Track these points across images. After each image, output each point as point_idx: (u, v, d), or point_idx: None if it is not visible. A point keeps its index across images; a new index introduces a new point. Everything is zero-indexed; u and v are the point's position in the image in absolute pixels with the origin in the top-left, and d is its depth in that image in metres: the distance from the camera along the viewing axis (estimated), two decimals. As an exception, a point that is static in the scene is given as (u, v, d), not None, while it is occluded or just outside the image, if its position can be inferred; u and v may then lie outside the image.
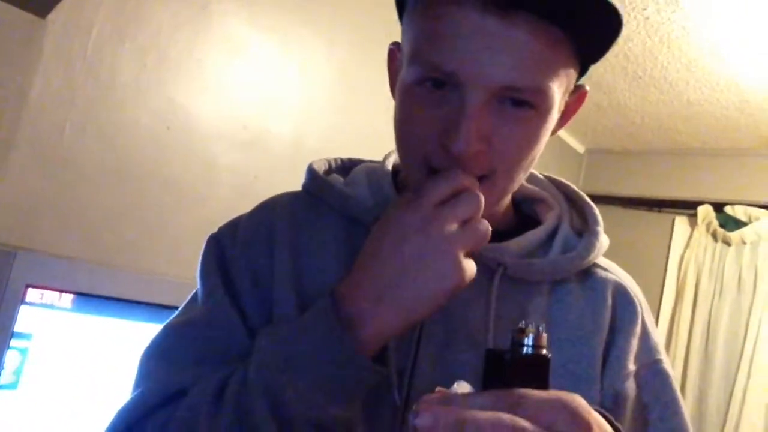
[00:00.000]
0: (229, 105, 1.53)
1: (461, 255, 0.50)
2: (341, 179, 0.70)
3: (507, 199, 0.69)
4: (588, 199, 0.73)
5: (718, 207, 2.81)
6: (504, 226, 0.69)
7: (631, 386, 0.63)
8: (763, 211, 2.70)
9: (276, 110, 1.64)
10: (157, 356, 0.60)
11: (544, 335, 0.41)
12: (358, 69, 1.86)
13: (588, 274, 0.69)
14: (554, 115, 0.58)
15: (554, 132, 0.62)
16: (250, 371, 0.52)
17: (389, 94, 0.63)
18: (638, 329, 0.66)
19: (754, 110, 2.36)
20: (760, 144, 2.68)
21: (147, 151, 1.36)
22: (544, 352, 0.40)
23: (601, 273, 0.70)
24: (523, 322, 0.41)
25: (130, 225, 1.34)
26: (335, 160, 0.75)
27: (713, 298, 2.79)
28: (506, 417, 0.36)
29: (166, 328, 0.63)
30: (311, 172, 0.70)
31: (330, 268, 0.63)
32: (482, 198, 0.51)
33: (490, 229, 0.51)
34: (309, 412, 0.50)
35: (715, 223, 2.81)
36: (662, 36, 2.01)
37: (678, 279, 2.89)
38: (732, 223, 2.79)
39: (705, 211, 2.82)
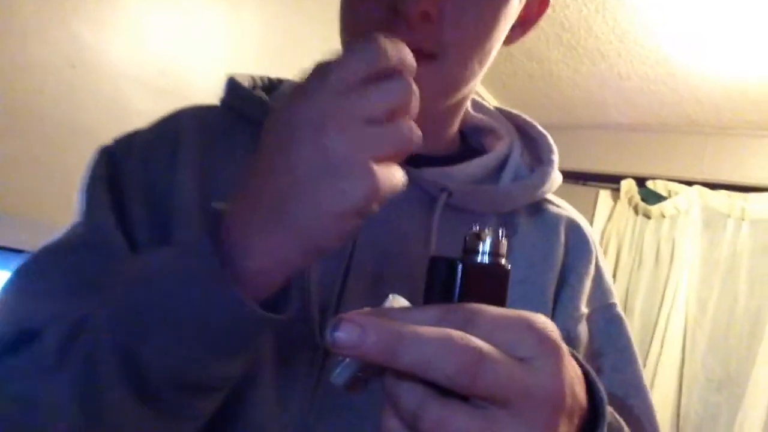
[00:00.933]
0: (143, 46, 1.40)
1: (373, 161, 0.36)
2: (266, 96, 0.61)
3: (454, 125, 0.63)
4: (542, 130, 0.67)
5: (641, 181, 2.87)
6: (448, 153, 0.63)
7: (583, 330, 0.58)
8: (682, 186, 2.78)
9: (199, 56, 1.53)
10: (19, 285, 0.49)
11: (504, 242, 0.33)
12: (294, 11, 1.75)
13: (539, 208, 0.63)
14: (516, 4, 0.54)
15: (510, 41, 0.57)
16: (101, 316, 0.39)
17: (328, 37, 0.57)
18: (592, 269, 0.61)
19: (680, 85, 2.40)
20: (684, 121, 2.75)
21: (50, 92, 1.23)
22: (503, 262, 0.33)
23: (553, 209, 0.65)
24: (477, 225, 0.34)
25: (29, 171, 1.21)
26: (261, 77, 0.66)
27: (632, 269, 2.86)
28: (456, 334, 0.29)
29: (37, 251, 0.52)
30: (232, 83, 0.62)
31: None
32: (413, 87, 0.37)
33: (420, 134, 0.38)
34: (173, 372, 0.38)
35: (637, 197, 2.88)
36: (598, 5, 2.00)
37: (600, 251, 2.94)
38: (653, 198, 2.86)
39: (628, 185, 2.89)
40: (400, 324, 0.30)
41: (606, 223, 2.96)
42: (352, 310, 0.31)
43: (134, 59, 1.39)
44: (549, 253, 0.60)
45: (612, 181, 2.92)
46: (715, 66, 2.19)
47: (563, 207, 0.66)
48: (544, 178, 0.62)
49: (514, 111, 0.70)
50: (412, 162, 0.56)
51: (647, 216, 2.87)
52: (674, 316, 2.69)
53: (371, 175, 0.36)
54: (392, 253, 0.55)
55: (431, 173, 0.57)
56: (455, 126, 0.64)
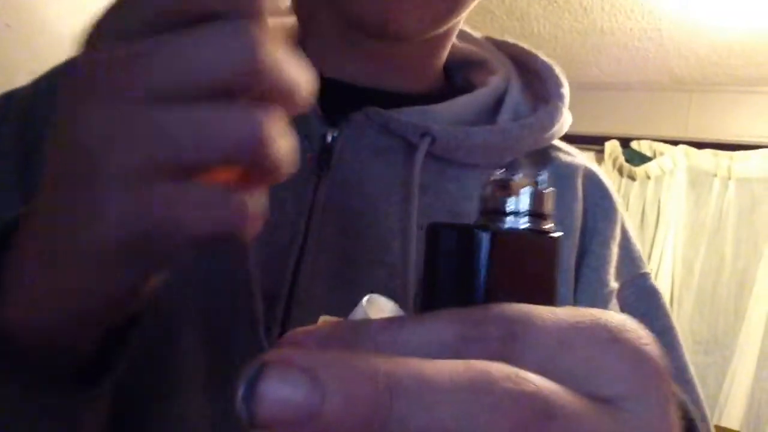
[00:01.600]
0: (83, 6, 1.29)
1: (152, 168, 0.22)
2: None
3: (439, 59, 0.51)
4: (546, 60, 0.52)
5: (625, 142, 2.81)
6: (429, 92, 0.50)
7: (615, 310, 0.46)
8: (667, 146, 2.73)
9: None
10: None
11: (549, 193, 0.21)
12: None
13: (547, 157, 0.51)
14: None
15: None
16: None
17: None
18: (618, 232, 0.49)
19: (666, 41, 2.32)
20: (668, 78, 2.68)
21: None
22: (549, 226, 0.21)
23: (565, 157, 0.51)
24: (502, 171, 0.21)
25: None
26: None
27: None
28: (497, 372, 0.16)
29: None
30: None
31: None
32: (256, 35, 0.22)
33: (276, 135, 0.24)
34: None
35: (622, 159, 2.82)
36: (579, -45, 1.90)
37: (584, 214, 2.90)
38: (637, 159, 2.80)
39: (612, 147, 2.82)
40: (389, 359, 0.16)
41: (590, 186, 2.90)
42: (296, 329, 0.19)
43: (73, 19, 1.29)
44: (565, 213, 0.47)
45: (596, 142, 2.85)
46: (702, 19, 2.11)
47: (575, 154, 0.52)
48: (553, 115, 0.48)
49: (510, 40, 0.55)
50: (382, 102, 0.46)
51: (632, 178, 2.81)
52: (661, 278, 2.65)
53: (135, 194, 0.22)
54: (362, 222, 0.43)
55: (409, 113, 0.45)
56: (441, 60, 0.52)
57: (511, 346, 0.18)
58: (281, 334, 0.40)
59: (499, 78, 0.51)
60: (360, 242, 0.43)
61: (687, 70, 2.57)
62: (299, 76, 0.25)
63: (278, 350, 0.16)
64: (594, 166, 0.52)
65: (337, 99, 0.45)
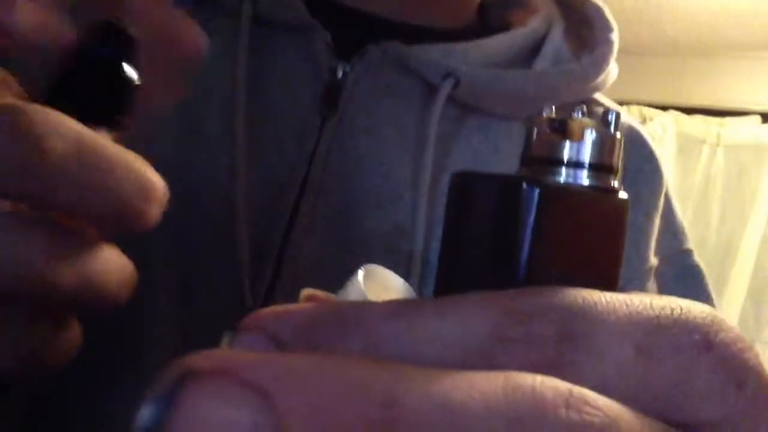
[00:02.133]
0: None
1: None
2: None
3: None
4: (597, 2, 0.46)
5: (615, 106, 2.78)
6: (457, 28, 0.44)
7: (652, 290, 0.41)
8: (657, 111, 2.70)
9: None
10: None
11: (619, 139, 0.16)
12: None
13: (587, 113, 0.45)
14: None
15: None
16: None
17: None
18: (661, 203, 0.44)
19: (661, 2, 2.27)
20: (662, 41, 2.63)
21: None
22: (616, 183, 0.16)
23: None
24: (551, 109, 0.16)
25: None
26: None
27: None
28: (553, 393, 0.12)
29: None
30: None
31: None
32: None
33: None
34: None
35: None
36: None
37: (572, 179, 2.89)
38: (627, 123, 2.78)
39: (602, 111, 2.79)
40: (396, 372, 0.11)
41: (579, 151, 2.88)
42: (263, 310, 0.14)
43: None
44: None
45: (586, 106, 2.82)
46: (698, -20, 2.06)
47: (618, 110, 0.46)
48: (599, 64, 0.42)
49: None
50: (405, 37, 0.40)
51: (621, 143, 2.79)
52: (646, 244, 2.66)
53: None
54: (369, 170, 0.39)
55: (430, 51, 0.40)
56: None
57: (567, 351, 0.13)
58: (269, 290, 0.36)
59: (540, 18, 0.44)
60: (365, 193, 0.38)
61: (680, 33, 2.52)
62: (125, 185, 0.19)
63: (218, 352, 0.11)
64: (639, 125, 0.47)
65: (352, 30, 0.40)
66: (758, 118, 2.54)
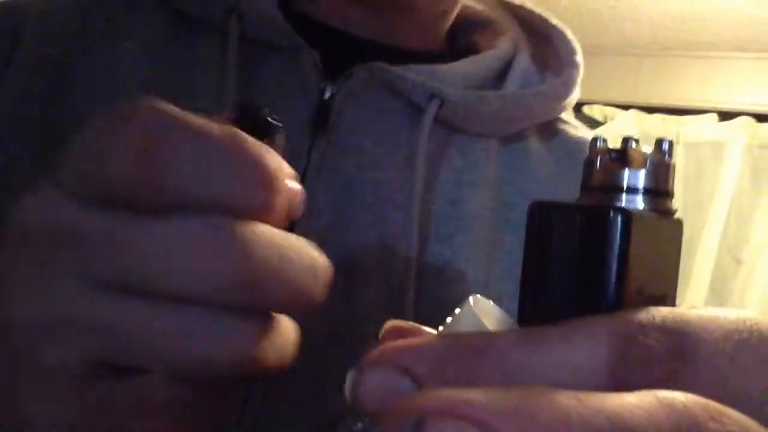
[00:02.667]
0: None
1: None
2: None
3: (447, 20, 0.47)
4: (558, 24, 0.49)
5: (577, 107, 2.81)
6: (431, 51, 0.46)
7: None
8: (618, 110, 2.74)
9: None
10: None
11: (673, 165, 0.18)
12: None
13: (554, 130, 0.47)
14: None
15: None
16: None
17: None
18: None
19: (619, 3, 2.31)
20: (620, 41, 2.68)
21: None
22: (674, 206, 0.18)
23: (572, 131, 0.48)
24: (602, 139, 0.18)
25: None
26: None
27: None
28: (697, 407, 0.13)
29: None
30: None
31: (131, 79, 0.39)
32: (242, 239, 0.20)
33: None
34: None
35: (573, 123, 2.83)
36: None
37: (536, 179, 2.92)
38: (590, 123, 2.81)
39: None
40: (575, 398, 0.13)
41: (542, 151, 2.92)
42: (390, 344, 0.15)
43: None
44: (575, 192, 0.44)
45: (548, 106, 2.86)
46: (654, -19, 2.10)
47: (581, 128, 0.50)
48: (568, 84, 0.45)
49: (517, 1, 0.51)
50: (387, 58, 0.41)
51: (583, 142, 2.84)
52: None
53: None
54: (359, 189, 0.40)
55: (415, 73, 0.41)
56: (450, 19, 0.47)
57: (680, 366, 0.14)
58: None
59: (507, 41, 0.47)
60: (356, 211, 0.39)
61: (639, 33, 2.57)
62: (304, 274, 0.21)
63: (432, 393, 0.13)
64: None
65: (338, 51, 0.41)
66: (715, 116, 2.60)
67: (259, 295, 0.19)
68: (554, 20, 0.49)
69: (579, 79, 0.46)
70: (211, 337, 0.19)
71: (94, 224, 0.19)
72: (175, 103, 0.38)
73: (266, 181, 0.19)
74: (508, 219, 0.43)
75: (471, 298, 0.18)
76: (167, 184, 0.19)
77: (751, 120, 2.52)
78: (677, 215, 0.18)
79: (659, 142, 0.18)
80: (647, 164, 0.17)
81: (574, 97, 0.46)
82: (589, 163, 0.18)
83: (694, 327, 0.15)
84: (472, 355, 0.15)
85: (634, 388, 0.14)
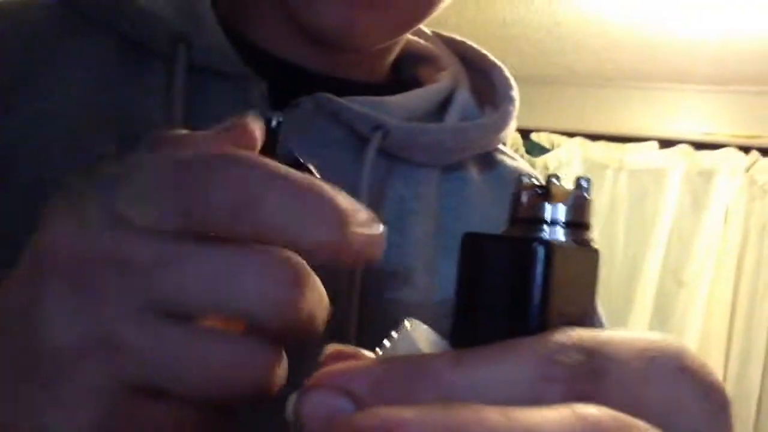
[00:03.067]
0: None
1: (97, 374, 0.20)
2: None
3: (393, 53, 0.49)
4: (495, 60, 0.52)
5: (525, 134, 2.88)
6: (375, 83, 0.48)
7: None
8: (564, 138, 2.82)
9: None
10: None
11: (591, 200, 0.20)
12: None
13: (492, 161, 0.50)
14: None
15: None
16: None
17: None
18: None
19: (563, 34, 2.39)
20: (565, 71, 2.76)
21: None
22: (592, 237, 0.20)
23: (509, 161, 0.51)
24: (527, 177, 0.20)
25: None
26: None
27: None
28: (610, 420, 0.15)
29: None
30: None
31: (71, 110, 0.39)
32: (302, 275, 0.21)
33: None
34: None
35: (522, 150, 2.89)
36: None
37: (487, 204, 2.96)
38: (537, 150, 2.88)
39: (513, 139, 2.88)
40: (501, 413, 0.14)
41: (492, 177, 2.97)
42: (332, 368, 0.17)
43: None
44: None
45: (498, 133, 2.91)
46: (596, 14, 2.18)
47: (518, 159, 0.52)
48: (505, 118, 0.47)
49: (457, 37, 0.54)
50: (332, 89, 0.42)
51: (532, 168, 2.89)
52: (558, 266, 2.75)
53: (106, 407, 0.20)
54: None
55: (359, 104, 0.42)
56: (394, 53, 0.49)
57: (597, 382, 0.16)
58: None
59: (448, 75, 0.49)
60: None
61: (582, 64, 2.66)
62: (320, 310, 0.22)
63: (370, 412, 0.14)
64: (534, 172, 0.53)
65: (285, 81, 0.42)
66: (656, 144, 2.70)
67: (307, 329, 0.20)
68: (491, 56, 0.52)
69: (515, 113, 0.49)
70: (248, 367, 0.20)
71: (152, 251, 0.19)
72: (123, 130, 0.38)
73: (342, 222, 0.20)
74: (445, 244, 0.44)
75: (407, 322, 0.20)
76: (259, 223, 0.19)
77: (689, 148, 2.62)
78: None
79: (579, 180, 0.19)
80: (568, 199, 0.19)
81: (511, 129, 0.49)
82: (516, 198, 0.20)
83: (607, 346, 0.16)
84: (409, 376, 0.16)
85: (557, 403, 0.15)
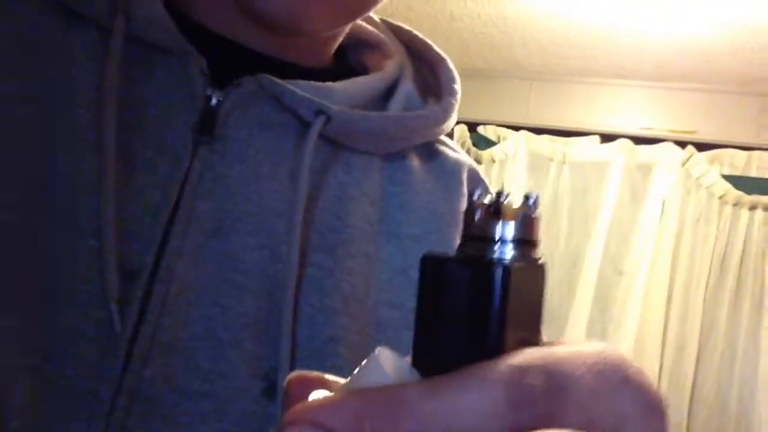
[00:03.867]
0: None
1: None
2: None
3: (339, 37, 0.49)
4: (440, 51, 0.52)
5: (472, 127, 2.92)
6: (319, 67, 0.48)
7: None
8: (510, 131, 2.87)
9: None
10: None
11: (539, 218, 0.20)
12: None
13: (434, 151, 0.50)
14: None
15: None
16: None
17: None
18: None
19: (509, 28, 2.42)
20: (511, 65, 2.80)
21: None
22: (540, 254, 0.21)
23: (450, 152, 0.51)
24: (479, 192, 0.20)
25: None
26: None
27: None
28: None
29: None
30: None
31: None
32: None
33: None
34: None
35: (469, 143, 2.92)
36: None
37: (434, 196, 2.98)
38: (483, 143, 2.92)
39: (460, 131, 2.92)
40: None
41: (440, 169, 2.99)
42: (308, 403, 0.17)
43: None
44: (452, 205, 0.47)
45: (445, 126, 2.93)
46: (543, 9, 2.22)
47: (459, 151, 0.53)
48: (447, 110, 0.48)
49: (404, 26, 0.54)
50: (276, 72, 0.42)
51: (479, 161, 2.92)
52: (504, 257, 2.80)
53: None
54: (242, 197, 0.40)
55: (306, 88, 0.42)
56: (340, 38, 0.49)
57: (556, 403, 0.17)
58: (141, 313, 0.35)
59: (393, 64, 0.49)
60: (238, 219, 0.39)
61: (528, 58, 2.70)
62: None
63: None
64: (474, 164, 0.54)
65: (227, 60, 0.41)
66: (597, 138, 2.77)
67: None
68: (436, 47, 0.53)
69: (457, 106, 0.49)
70: None
71: None
72: (53, 96, 0.36)
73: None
74: (388, 230, 0.45)
75: (377, 350, 0.19)
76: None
77: (629, 142, 2.71)
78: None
79: (527, 197, 0.20)
80: (518, 217, 0.19)
81: (452, 121, 0.50)
82: (469, 215, 0.20)
83: (563, 364, 0.17)
84: (385, 408, 0.16)
85: (526, 424, 0.16)
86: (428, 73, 0.52)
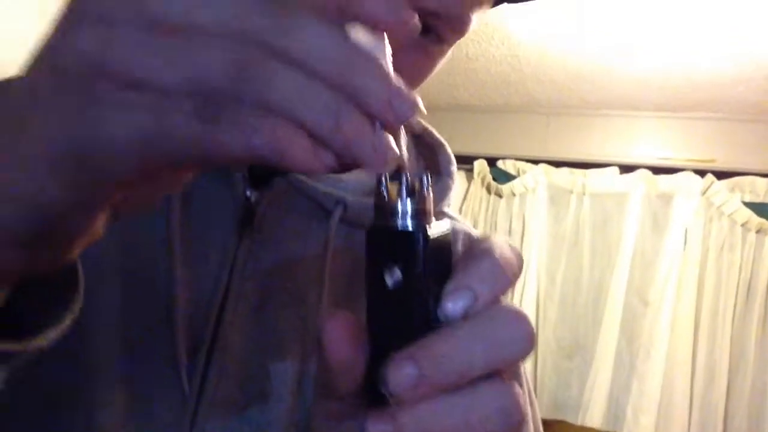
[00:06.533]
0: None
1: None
2: None
3: None
4: (439, 137, 0.61)
5: (492, 161, 2.96)
6: None
7: None
8: (529, 165, 2.90)
9: (4, 28, 1.32)
10: None
11: (430, 195, 0.28)
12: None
13: None
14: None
15: None
16: None
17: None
18: None
19: (523, 65, 2.48)
20: (526, 100, 2.85)
21: None
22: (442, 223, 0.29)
23: (452, 222, 0.59)
24: (386, 177, 0.28)
25: None
26: None
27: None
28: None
29: None
30: None
31: None
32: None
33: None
34: None
35: (489, 177, 2.96)
36: (444, -17, 1.99)
37: (456, 231, 3.00)
38: (503, 177, 2.96)
39: (480, 166, 2.96)
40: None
41: (461, 203, 3.02)
42: None
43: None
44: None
45: (465, 162, 2.98)
46: (552, 47, 2.28)
47: (459, 220, 0.61)
48: (444, 191, 0.56)
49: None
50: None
51: (499, 195, 2.96)
52: (527, 289, 2.80)
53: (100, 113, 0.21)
54: (280, 276, 0.48)
55: (326, 184, 0.51)
56: None
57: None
58: (203, 377, 0.43)
59: None
60: (278, 295, 0.47)
61: (543, 94, 2.75)
62: None
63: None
64: (474, 231, 0.61)
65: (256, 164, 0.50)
66: (616, 170, 2.79)
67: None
68: (435, 133, 0.61)
69: (453, 186, 0.58)
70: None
71: None
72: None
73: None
74: None
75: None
76: None
77: (648, 172, 2.72)
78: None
79: (420, 179, 0.27)
80: (415, 193, 0.27)
81: (450, 200, 0.58)
82: (379, 197, 0.27)
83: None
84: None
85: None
86: (430, 157, 0.59)
